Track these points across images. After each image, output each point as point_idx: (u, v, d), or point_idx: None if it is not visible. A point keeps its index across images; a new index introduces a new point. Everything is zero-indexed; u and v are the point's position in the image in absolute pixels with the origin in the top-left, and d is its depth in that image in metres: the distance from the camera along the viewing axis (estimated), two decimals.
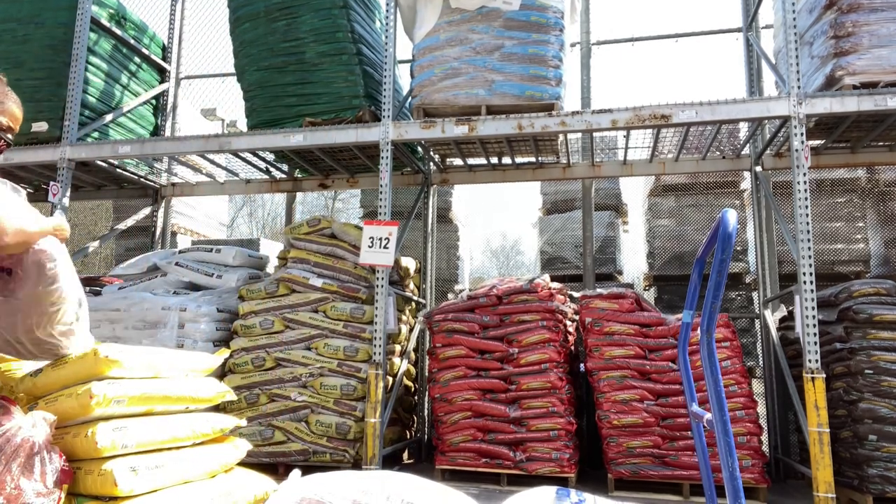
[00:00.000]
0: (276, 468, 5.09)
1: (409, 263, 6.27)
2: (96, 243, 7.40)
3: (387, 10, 5.36)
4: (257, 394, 5.25)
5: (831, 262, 6.61)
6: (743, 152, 6.14)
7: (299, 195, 11.14)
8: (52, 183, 5.61)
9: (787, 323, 5.49)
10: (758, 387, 5.97)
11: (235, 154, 6.17)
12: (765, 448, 5.21)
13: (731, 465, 1.67)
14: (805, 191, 4.39)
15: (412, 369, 6.33)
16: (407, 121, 5.20)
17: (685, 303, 2.32)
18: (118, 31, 6.36)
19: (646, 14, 32.98)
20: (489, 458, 4.96)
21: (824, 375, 4.14)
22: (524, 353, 4.99)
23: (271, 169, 6.89)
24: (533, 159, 6.45)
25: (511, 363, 5.03)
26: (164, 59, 7.21)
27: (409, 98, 5.64)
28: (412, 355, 6.20)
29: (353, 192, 17.91)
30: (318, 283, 5.36)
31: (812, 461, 4.07)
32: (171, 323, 5.30)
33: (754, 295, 7.01)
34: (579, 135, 6.36)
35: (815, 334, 4.20)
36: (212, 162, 6.72)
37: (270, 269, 6.48)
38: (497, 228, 43.44)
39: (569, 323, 5.35)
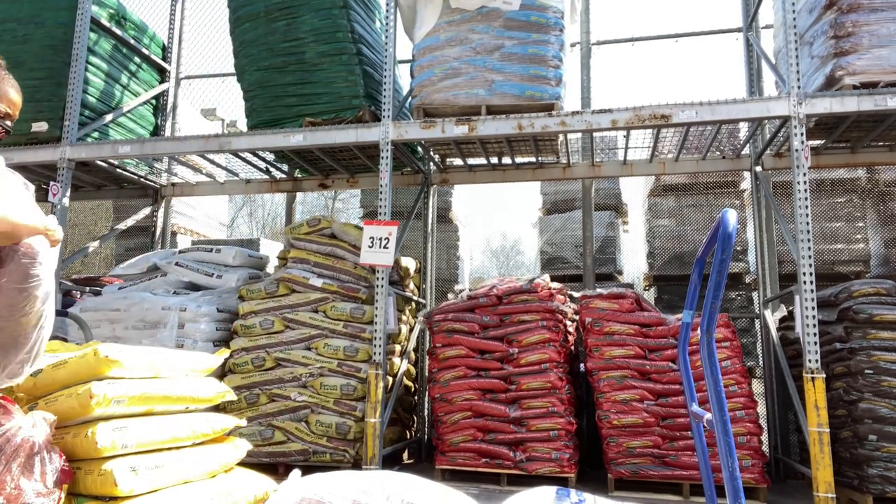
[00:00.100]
0: (276, 468, 5.09)
1: (409, 263, 6.27)
2: (96, 243, 7.41)
3: (387, 10, 5.36)
4: (257, 394, 5.25)
5: (831, 262, 6.61)
6: (743, 152, 6.13)
7: (299, 195, 11.15)
8: (52, 183, 5.61)
9: (787, 323, 5.48)
10: (758, 387, 5.97)
11: (235, 154, 6.17)
12: (765, 448, 5.21)
13: (731, 465, 1.67)
14: (805, 191, 4.39)
15: (412, 369, 6.33)
16: (407, 121, 5.20)
17: (685, 303, 2.32)
18: (118, 31, 6.36)
19: (646, 14, 33.01)
20: (489, 458, 4.96)
21: (824, 375, 4.14)
22: (524, 353, 4.99)
23: (271, 169, 6.89)
24: (533, 159, 6.45)
25: (511, 363, 5.03)
26: (164, 59, 7.21)
27: (409, 98, 5.64)
28: (412, 355, 6.20)
29: (353, 192, 17.92)
30: (318, 283, 5.36)
31: (812, 461, 4.07)
32: (171, 323, 5.30)
33: (754, 295, 7.01)
34: (579, 135, 6.36)
35: (815, 334, 4.20)
36: (212, 162, 6.72)
37: (270, 269, 6.47)
38: (497, 228, 43.50)
39: (569, 323, 5.35)
